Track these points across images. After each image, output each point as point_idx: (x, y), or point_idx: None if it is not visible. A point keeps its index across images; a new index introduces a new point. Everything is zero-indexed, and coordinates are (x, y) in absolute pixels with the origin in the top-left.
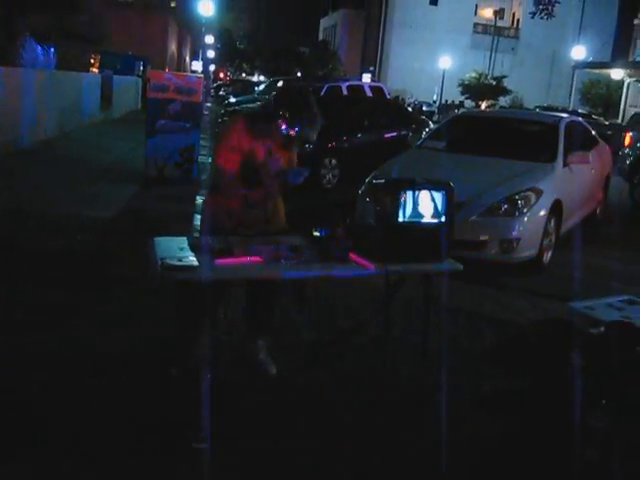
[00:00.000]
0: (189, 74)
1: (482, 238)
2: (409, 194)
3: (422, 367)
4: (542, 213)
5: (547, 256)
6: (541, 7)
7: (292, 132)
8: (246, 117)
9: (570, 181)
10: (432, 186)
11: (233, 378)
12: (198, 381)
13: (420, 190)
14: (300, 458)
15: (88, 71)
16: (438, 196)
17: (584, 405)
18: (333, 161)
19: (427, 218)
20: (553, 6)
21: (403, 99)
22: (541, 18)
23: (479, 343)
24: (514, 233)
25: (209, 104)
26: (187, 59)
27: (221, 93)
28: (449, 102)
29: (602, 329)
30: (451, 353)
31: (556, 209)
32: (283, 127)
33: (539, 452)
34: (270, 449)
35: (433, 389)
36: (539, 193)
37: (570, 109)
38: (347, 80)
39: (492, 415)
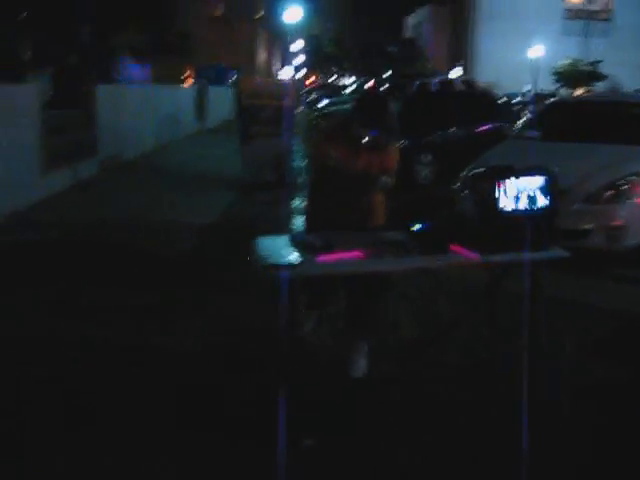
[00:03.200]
0: (280, 79)
1: (586, 227)
2: (509, 181)
3: (527, 359)
4: None
5: None
6: None
7: (368, 137)
8: (330, 126)
9: None
10: (533, 172)
11: (338, 375)
12: (305, 377)
13: (521, 177)
14: (410, 453)
15: (183, 84)
16: (540, 182)
17: None
18: (429, 157)
19: (529, 205)
20: None
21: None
22: None
23: (589, 334)
24: (620, 220)
25: (301, 108)
26: (277, 66)
27: (312, 97)
28: (541, 92)
29: None
30: (559, 345)
31: None
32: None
33: None
34: (378, 445)
35: (539, 381)
36: None
37: None
38: (437, 76)
39: (599, 407)
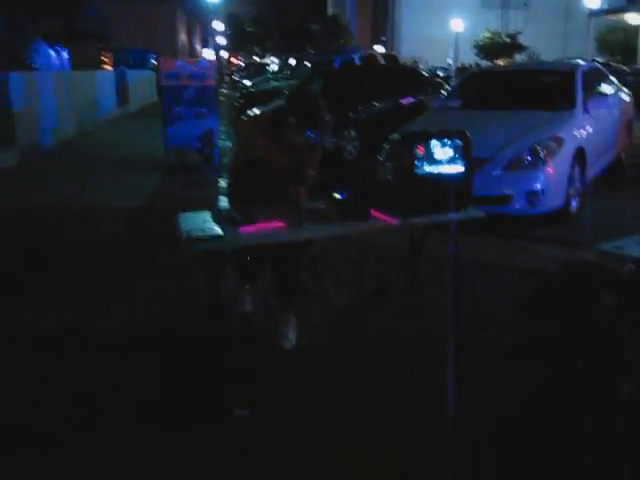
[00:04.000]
0: (200, 59)
1: (507, 192)
2: (425, 145)
3: (453, 321)
4: (565, 162)
5: (574, 205)
6: None
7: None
8: (260, 119)
9: (592, 127)
10: (447, 135)
11: (269, 345)
12: (237, 349)
13: (435, 140)
14: (345, 420)
15: (101, 69)
16: (454, 145)
17: (619, 342)
18: (352, 132)
19: (445, 168)
20: None
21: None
22: None
23: (509, 293)
24: (538, 185)
25: (224, 90)
26: (198, 48)
27: (235, 78)
28: (464, 65)
29: (632, 266)
30: (482, 305)
31: (579, 157)
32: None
33: (574, 390)
34: (312, 413)
35: (464, 341)
36: (560, 142)
37: (588, 59)
38: (359, 51)
39: (523, 362)
